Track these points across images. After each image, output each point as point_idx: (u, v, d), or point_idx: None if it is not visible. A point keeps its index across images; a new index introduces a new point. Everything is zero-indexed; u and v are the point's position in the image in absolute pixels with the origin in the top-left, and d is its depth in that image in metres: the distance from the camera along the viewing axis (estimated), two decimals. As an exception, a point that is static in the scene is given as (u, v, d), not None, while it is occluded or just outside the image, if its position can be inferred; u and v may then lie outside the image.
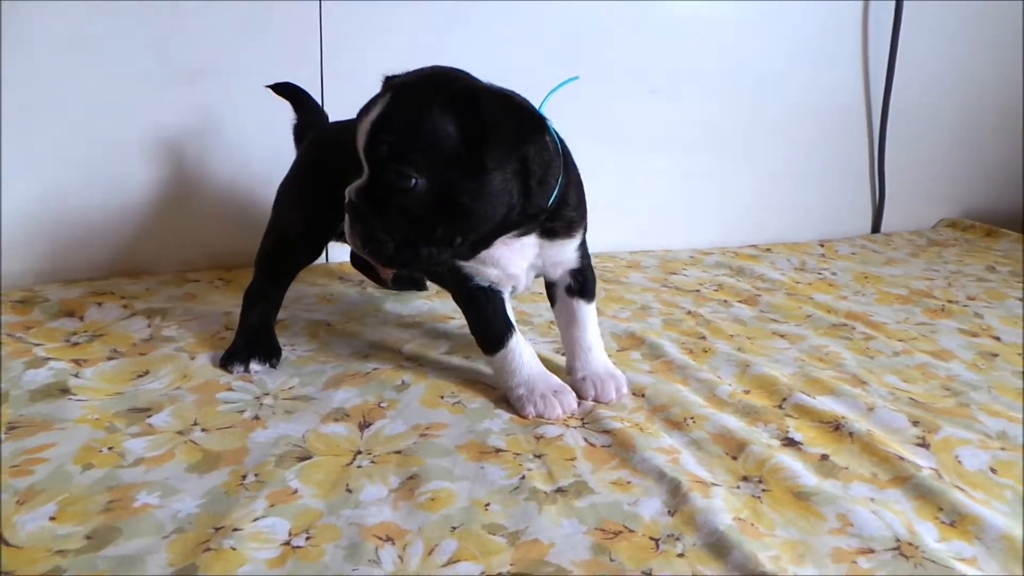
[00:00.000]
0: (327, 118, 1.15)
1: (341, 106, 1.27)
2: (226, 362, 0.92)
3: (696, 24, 1.55)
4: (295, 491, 0.68)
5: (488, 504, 0.67)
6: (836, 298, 1.31)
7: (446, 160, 0.73)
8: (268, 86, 1.12)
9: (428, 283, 1.25)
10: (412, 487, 0.69)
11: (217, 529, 0.62)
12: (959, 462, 0.78)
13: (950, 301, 1.31)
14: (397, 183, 0.73)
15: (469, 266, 0.85)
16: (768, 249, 1.62)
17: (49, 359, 0.91)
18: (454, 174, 0.73)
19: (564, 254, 0.87)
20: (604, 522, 0.65)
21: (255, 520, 0.63)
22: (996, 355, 1.07)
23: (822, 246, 1.67)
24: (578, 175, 0.86)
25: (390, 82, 0.79)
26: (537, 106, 0.78)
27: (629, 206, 1.55)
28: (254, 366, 0.91)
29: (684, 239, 1.63)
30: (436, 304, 1.18)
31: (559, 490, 0.70)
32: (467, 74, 0.79)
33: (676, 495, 0.69)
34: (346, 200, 0.77)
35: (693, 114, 1.59)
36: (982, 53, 1.84)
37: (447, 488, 0.69)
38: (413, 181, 0.73)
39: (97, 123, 1.20)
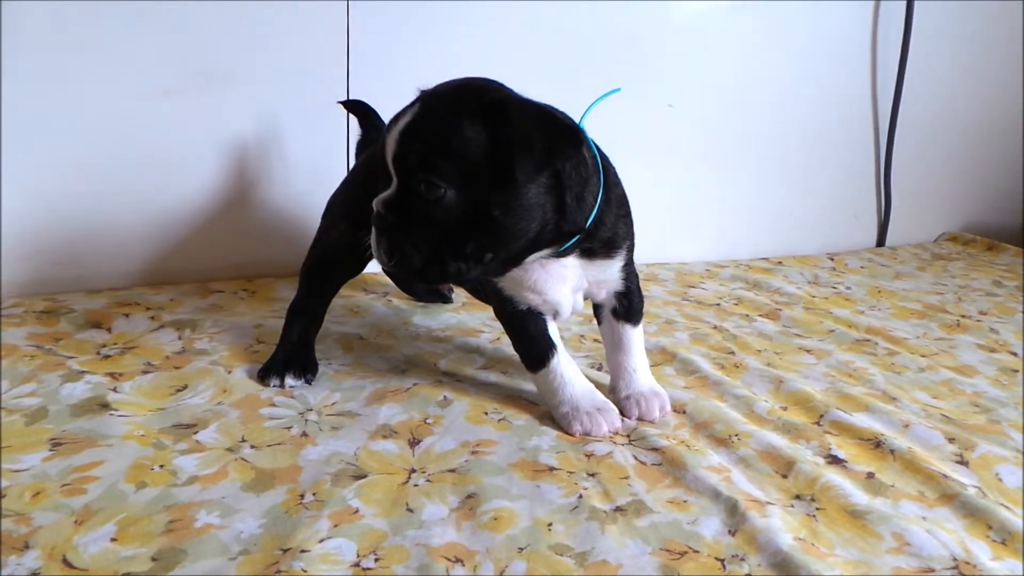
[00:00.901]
0: None
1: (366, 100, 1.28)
2: (263, 375, 0.91)
3: (708, 40, 1.57)
4: (356, 511, 0.67)
5: (551, 524, 0.67)
6: (854, 312, 1.32)
7: (476, 171, 0.72)
8: (340, 102, 1.15)
9: (454, 295, 1.25)
10: (472, 506, 0.69)
11: (284, 551, 0.62)
12: (999, 479, 0.79)
13: (964, 316, 1.34)
14: (426, 194, 0.72)
15: (510, 289, 0.84)
16: (780, 262, 1.64)
17: (85, 372, 0.90)
18: (484, 186, 0.72)
19: (606, 274, 0.85)
20: (667, 542, 0.66)
21: (321, 541, 0.63)
22: (1016, 371, 1.10)
23: (831, 259, 1.69)
24: (621, 193, 0.85)
25: (420, 95, 0.78)
26: (578, 120, 0.78)
27: (643, 218, 1.56)
28: (290, 381, 0.90)
29: (696, 251, 1.64)
30: (464, 317, 1.18)
31: (618, 509, 0.70)
32: (502, 85, 0.78)
33: (734, 514, 0.69)
34: (373, 211, 0.76)
35: (705, 127, 1.61)
36: (985, 70, 1.88)
37: (508, 507, 0.69)
38: (442, 192, 0.72)
39: (113, 130, 1.18)
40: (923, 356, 1.13)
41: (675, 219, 1.63)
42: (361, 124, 1.15)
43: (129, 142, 1.20)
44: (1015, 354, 1.16)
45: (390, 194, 0.75)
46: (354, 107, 1.15)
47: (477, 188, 0.72)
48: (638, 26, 1.49)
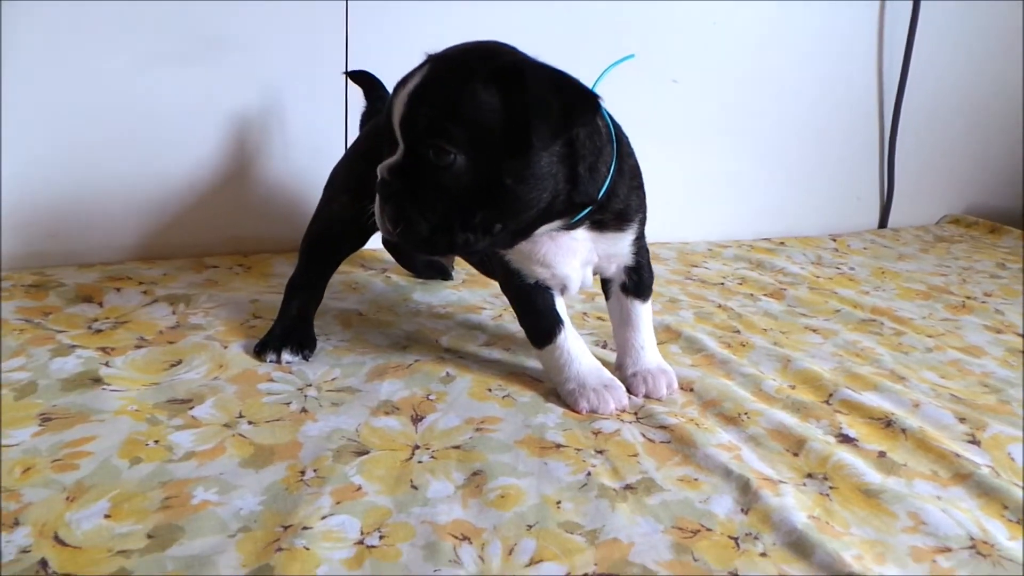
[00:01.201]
0: None
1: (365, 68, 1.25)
2: (260, 350, 0.89)
3: (714, 18, 1.54)
4: (359, 487, 0.65)
5: (559, 502, 0.65)
6: (859, 293, 1.31)
7: (488, 136, 0.68)
8: (345, 73, 1.12)
9: (455, 272, 1.23)
10: (479, 484, 0.67)
11: (285, 528, 0.59)
12: (1012, 459, 0.78)
13: (969, 297, 1.32)
14: (435, 159, 0.69)
15: (517, 263, 0.82)
16: (782, 243, 1.62)
17: (76, 347, 0.87)
18: (496, 152, 0.69)
19: (616, 248, 0.83)
20: (679, 520, 0.64)
21: (323, 518, 0.61)
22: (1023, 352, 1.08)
23: (834, 240, 1.68)
24: (634, 163, 0.82)
25: (429, 58, 0.74)
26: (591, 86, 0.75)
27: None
28: (286, 356, 0.88)
29: (698, 231, 1.62)
30: (465, 294, 1.16)
31: (628, 487, 0.68)
32: (514, 49, 0.75)
33: (747, 492, 0.68)
34: (378, 178, 0.73)
35: (709, 106, 1.58)
36: (989, 54, 1.86)
37: (515, 485, 0.67)
38: (452, 157, 0.68)
39: (106, 99, 1.15)
40: (929, 336, 1.12)
41: (677, 198, 1.60)
42: (366, 95, 1.12)
43: (122, 112, 1.16)
44: (1021, 336, 1.15)
45: (396, 160, 0.71)
46: (358, 77, 1.12)
47: (488, 155, 0.69)
48: (646, 3, 1.46)
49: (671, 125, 1.55)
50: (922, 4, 1.69)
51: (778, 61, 1.62)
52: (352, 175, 0.96)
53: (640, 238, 0.85)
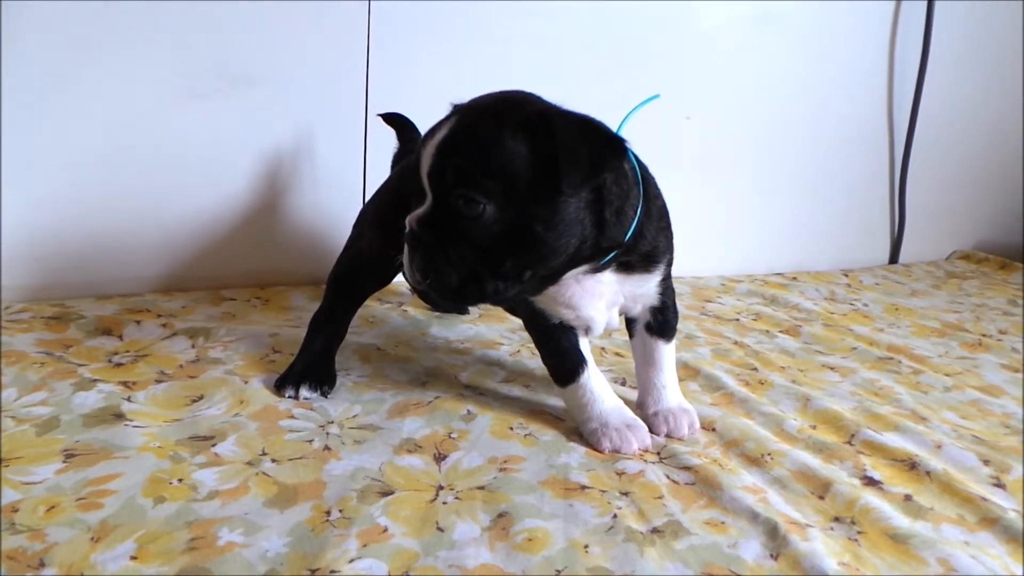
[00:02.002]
0: None
1: (385, 107, 1.27)
2: (279, 385, 0.89)
3: (725, 55, 1.56)
4: (385, 529, 0.65)
5: (587, 545, 0.65)
6: (873, 330, 1.31)
7: (518, 185, 0.69)
8: (380, 115, 1.15)
9: (471, 307, 1.23)
10: (505, 526, 0.66)
11: (313, 571, 0.59)
12: (1039, 504, 0.77)
13: (984, 335, 1.32)
14: (464, 210, 0.69)
15: (542, 303, 0.82)
16: (794, 278, 1.63)
17: (97, 380, 0.87)
18: (526, 200, 0.69)
19: (643, 289, 0.83)
20: (709, 566, 0.63)
21: (351, 561, 0.60)
22: (1043, 392, 1.08)
23: (846, 276, 1.68)
24: (662, 204, 0.83)
25: (457, 108, 0.75)
26: (616, 129, 0.76)
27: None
28: (304, 392, 0.88)
29: (710, 265, 1.62)
30: (482, 328, 1.16)
31: (655, 530, 0.68)
32: (539, 97, 0.76)
33: (775, 537, 0.67)
34: (406, 229, 0.73)
35: (721, 141, 1.60)
36: (1000, 90, 1.88)
37: (541, 527, 0.67)
38: (481, 207, 0.69)
39: (126, 133, 1.16)
40: (947, 375, 1.11)
41: (689, 233, 1.61)
42: (399, 137, 1.14)
43: (141, 145, 1.17)
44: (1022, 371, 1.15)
45: (424, 211, 0.72)
46: (392, 120, 1.14)
47: (518, 203, 0.69)
48: (657, 38, 1.48)
49: (683, 161, 1.57)
50: (932, 41, 1.71)
51: (790, 97, 1.64)
52: (381, 213, 0.97)
53: (667, 279, 0.86)
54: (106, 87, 1.13)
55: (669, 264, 0.85)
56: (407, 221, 0.73)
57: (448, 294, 0.73)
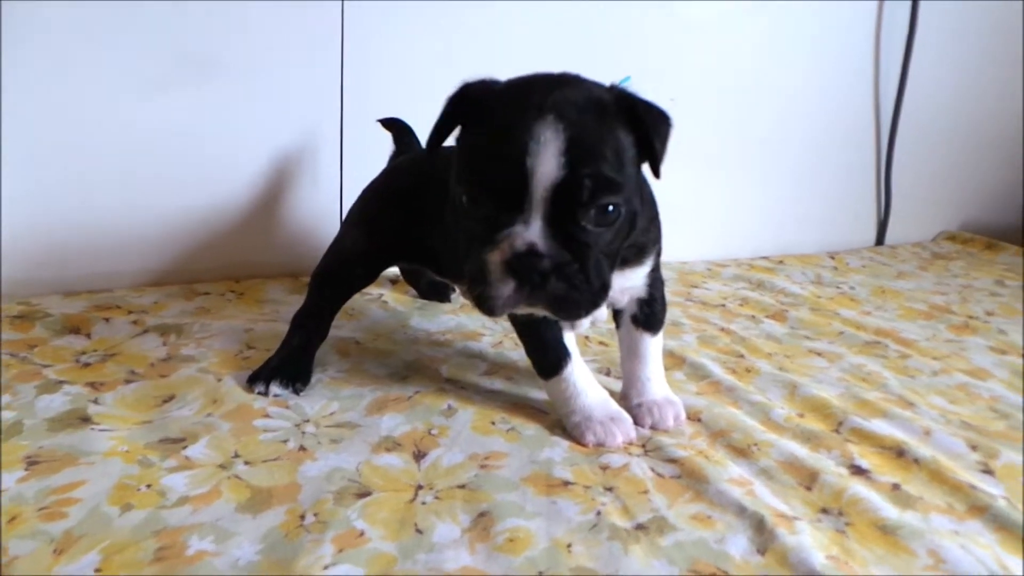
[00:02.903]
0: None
1: (361, 98, 1.23)
2: (251, 380, 0.87)
3: (711, 37, 1.53)
4: (361, 532, 0.63)
5: (570, 544, 0.63)
6: (860, 313, 1.30)
7: (633, 179, 0.67)
8: (379, 120, 1.12)
9: (455, 294, 1.21)
10: (486, 526, 0.65)
11: (286, 579, 0.57)
12: (1028, 490, 0.76)
13: (971, 317, 1.31)
14: (599, 221, 0.64)
15: None
16: (781, 261, 1.61)
17: (63, 382, 0.84)
18: (635, 192, 0.68)
19: (632, 281, 0.80)
20: (695, 563, 0.62)
21: (326, 568, 0.58)
22: (1031, 374, 1.07)
23: (832, 258, 1.67)
24: (651, 192, 0.80)
25: (539, 101, 0.63)
26: None
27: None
28: (275, 388, 0.85)
29: (696, 250, 1.61)
30: (463, 319, 1.13)
31: (639, 527, 0.66)
32: (579, 76, 0.71)
33: (762, 531, 0.65)
34: (511, 261, 0.63)
35: (705, 124, 1.57)
36: (985, 71, 1.86)
37: (523, 527, 0.65)
38: (619, 213, 0.65)
39: (95, 124, 1.12)
40: (935, 359, 1.10)
41: (674, 217, 1.59)
42: (395, 141, 1.12)
43: (109, 138, 1.13)
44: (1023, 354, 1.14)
45: (541, 232, 0.63)
46: (390, 124, 1.12)
47: (632, 196, 0.67)
48: (642, 21, 1.45)
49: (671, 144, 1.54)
50: (919, 22, 1.69)
51: (774, 79, 1.62)
52: (367, 212, 0.96)
53: (656, 269, 0.83)
54: (71, 78, 1.09)
55: (658, 255, 0.83)
56: (514, 248, 0.63)
57: (586, 313, 0.67)
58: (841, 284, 1.48)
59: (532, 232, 0.63)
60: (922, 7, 1.69)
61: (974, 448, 0.83)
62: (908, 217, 1.87)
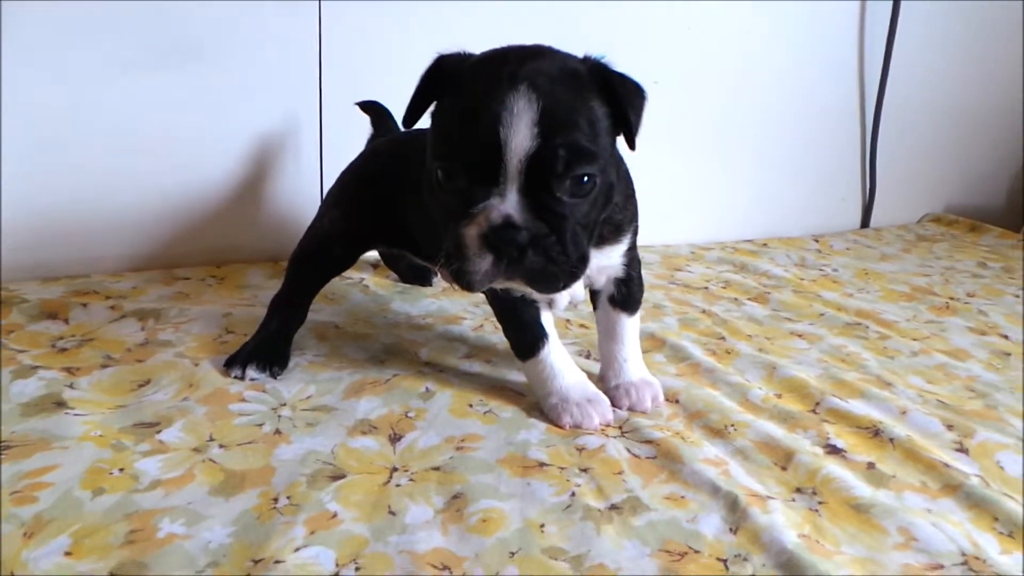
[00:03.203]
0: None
1: (339, 82, 1.22)
2: (227, 364, 0.86)
3: (695, 19, 1.52)
4: (334, 515, 0.63)
5: (543, 525, 0.63)
6: (843, 295, 1.30)
7: (608, 149, 0.67)
8: (357, 103, 1.11)
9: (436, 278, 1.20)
10: (459, 507, 0.65)
11: (256, 562, 0.57)
12: (1001, 468, 0.77)
13: (952, 298, 1.32)
14: (575, 191, 0.64)
15: None
16: (765, 244, 1.61)
17: (38, 367, 0.83)
18: (611, 164, 0.68)
19: (609, 259, 0.80)
20: (667, 542, 0.62)
21: (296, 550, 0.58)
22: (1009, 354, 1.08)
23: (816, 241, 1.67)
24: (626, 170, 0.79)
25: (512, 72, 0.63)
26: None
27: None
28: (251, 372, 0.85)
29: (680, 234, 1.60)
30: (444, 303, 1.13)
31: (613, 507, 0.66)
32: (552, 48, 0.70)
33: (735, 511, 0.66)
34: (488, 235, 0.62)
35: (690, 107, 1.57)
36: (970, 54, 1.86)
37: (497, 508, 0.65)
38: (594, 183, 0.64)
39: (73, 106, 1.11)
40: (915, 340, 1.11)
41: (658, 200, 1.58)
42: (373, 124, 1.11)
43: (88, 122, 1.12)
44: (1006, 336, 1.15)
45: (517, 204, 0.62)
46: (368, 107, 1.12)
47: (608, 166, 0.67)
48: (627, 12, 1.44)
49: (651, 126, 1.52)
50: (902, 4, 1.68)
51: (758, 61, 1.61)
52: (345, 193, 0.96)
53: (632, 248, 0.83)
54: (51, 65, 1.07)
55: (635, 233, 0.82)
56: (492, 219, 0.62)
57: (564, 286, 0.66)
58: (824, 266, 1.48)
59: (508, 204, 0.63)
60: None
61: (950, 427, 0.84)
62: (893, 200, 1.87)
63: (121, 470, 0.67)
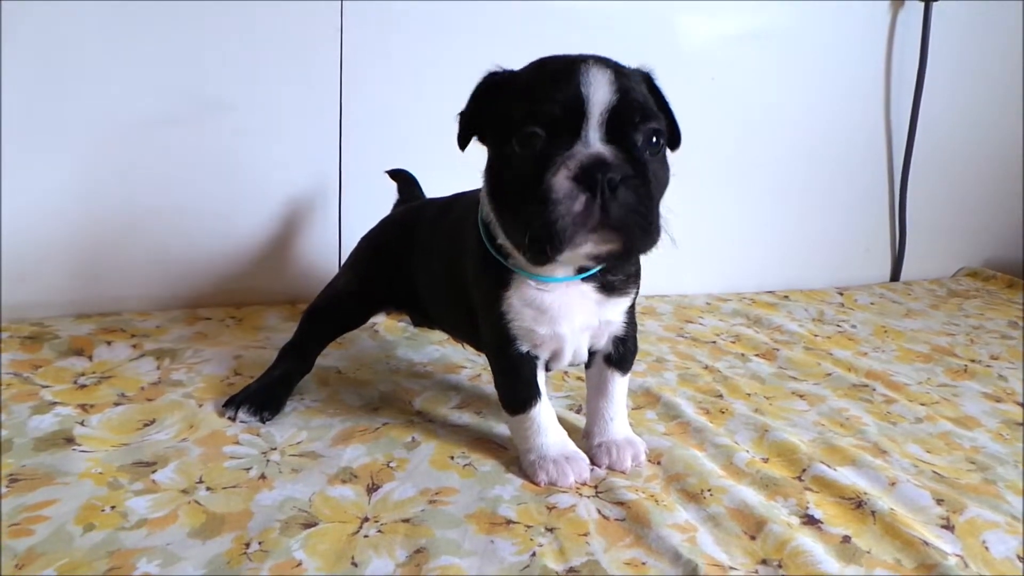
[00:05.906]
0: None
1: (359, 132, 1.28)
2: (225, 405, 0.91)
3: (717, 68, 1.54)
4: (299, 563, 0.66)
5: (498, 585, 0.65)
6: (856, 354, 1.28)
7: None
8: (387, 172, 1.20)
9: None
10: (419, 562, 0.67)
11: (218, 606, 0.60)
12: (986, 548, 0.75)
13: (973, 360, 1.28)
14: (650, 148, 0.69)
15: (516, 328, 0.79)
16: (786, 296, 1.60)
17: (56, 403, 0.90)
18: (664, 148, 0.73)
19: (615, 313, 0.82)
20: (618, 609, 0.63)
21: (257, 597, 0.61)
22: (1021, 424, 1.04)
23: (840, 294, 1.64)
24: None
25: (575, 57, 0.70)
26: None
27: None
28: (242, 415, 0.89)
29: (699, 283, 1.60)
30: (448, 351, 1.16)
31: (571, 570, 0.67)
32: None
33: (692, 580, 0.66)
34: (579, 174, 0.64)
35: (713, 154, 1.57)
36: (1005, 99, 1.82)
37: (456, 565, 0.67)
38: (663, 143, 0.71)
39: (114, 152, 1.20)
40: (922, 404, 1.08)
41: (684, 250, 1.60)
42: (400, 191, 1.20)
43: (124, 166, 1.21)
44: (1022, 405, 1.11)
45: (608, 146, 0.66)
46: (396, 175, 1.21)
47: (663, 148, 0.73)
48: (644, 50, 1.46)
49: (673, 173, 1.55)
50: (930, 48, 1.66)
51: (784, 105, 1.61)
52: (360, 258, 1.05)
53: (633, 306, 0.85)
54: (90, 113, 1.17)
55: (638, 290, 0.85)
56: (580, 161, 0.64)
57: (648, 242, 0.68)
58: (843, 322, 1.46)
59: (595, 147, 0.66)
60: (934, 31, 1.66)
61: (939, 501, 0.82)
62: (926, 252, 1.83)
63: (112, 507, 0.72)
